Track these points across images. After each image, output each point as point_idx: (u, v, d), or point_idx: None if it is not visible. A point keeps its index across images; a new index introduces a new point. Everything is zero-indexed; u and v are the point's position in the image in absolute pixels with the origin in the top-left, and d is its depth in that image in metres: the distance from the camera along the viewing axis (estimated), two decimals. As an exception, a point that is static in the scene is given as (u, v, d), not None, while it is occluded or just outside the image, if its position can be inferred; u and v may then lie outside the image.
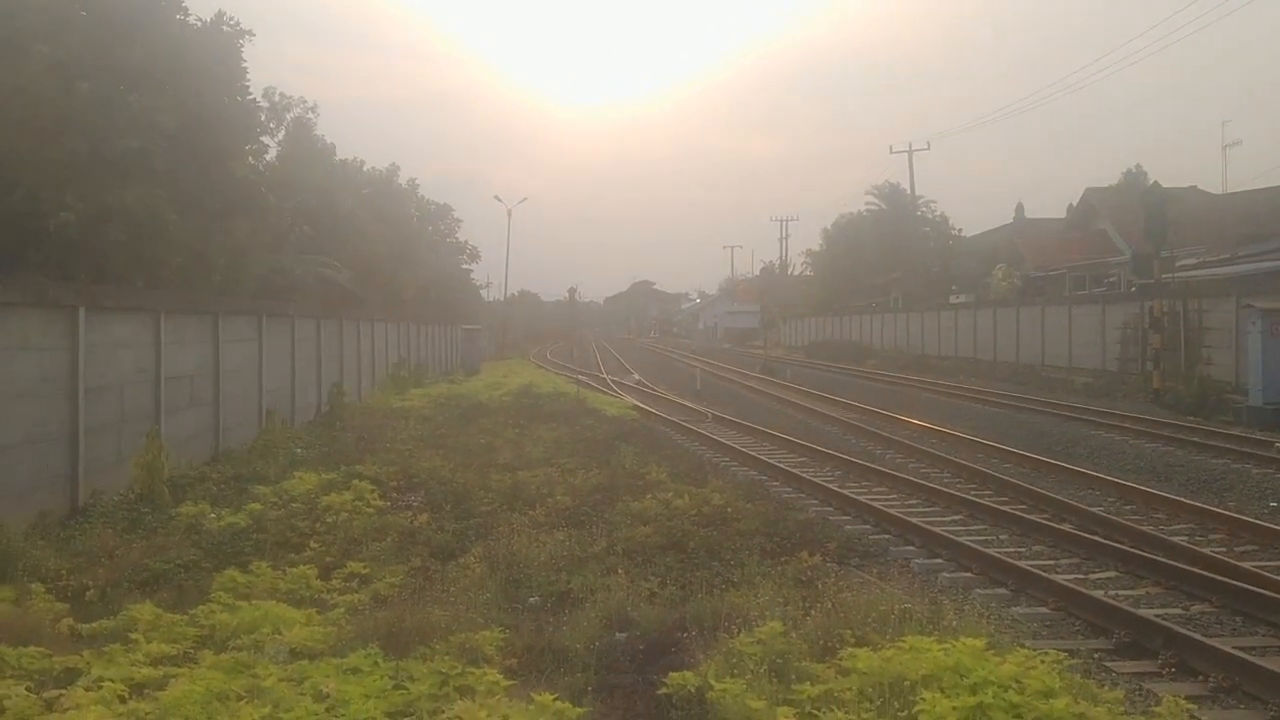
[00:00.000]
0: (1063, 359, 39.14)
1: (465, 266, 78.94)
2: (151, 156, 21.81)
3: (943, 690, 5.96)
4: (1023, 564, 10.99)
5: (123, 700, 6.16)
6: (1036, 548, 12.23)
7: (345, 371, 29.40)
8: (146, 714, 5.92)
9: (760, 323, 74.16)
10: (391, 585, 9.70)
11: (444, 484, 14.97)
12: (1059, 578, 10.42)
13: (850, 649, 6.75)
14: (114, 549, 10.79)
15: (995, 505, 14.35)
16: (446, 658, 6.96)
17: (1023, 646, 7.29)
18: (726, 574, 10.01)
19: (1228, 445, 19.77)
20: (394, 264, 48.11)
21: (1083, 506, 14.15)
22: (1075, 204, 60.89)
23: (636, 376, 47.25)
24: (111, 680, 6.44)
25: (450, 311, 62.43)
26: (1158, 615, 9.14)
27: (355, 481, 14.55)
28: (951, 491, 15.43)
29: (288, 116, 42.31)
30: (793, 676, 6.51)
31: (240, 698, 6.13)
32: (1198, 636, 8.40)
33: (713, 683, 6.41)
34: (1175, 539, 12.23)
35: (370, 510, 13.14)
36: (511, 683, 6.68)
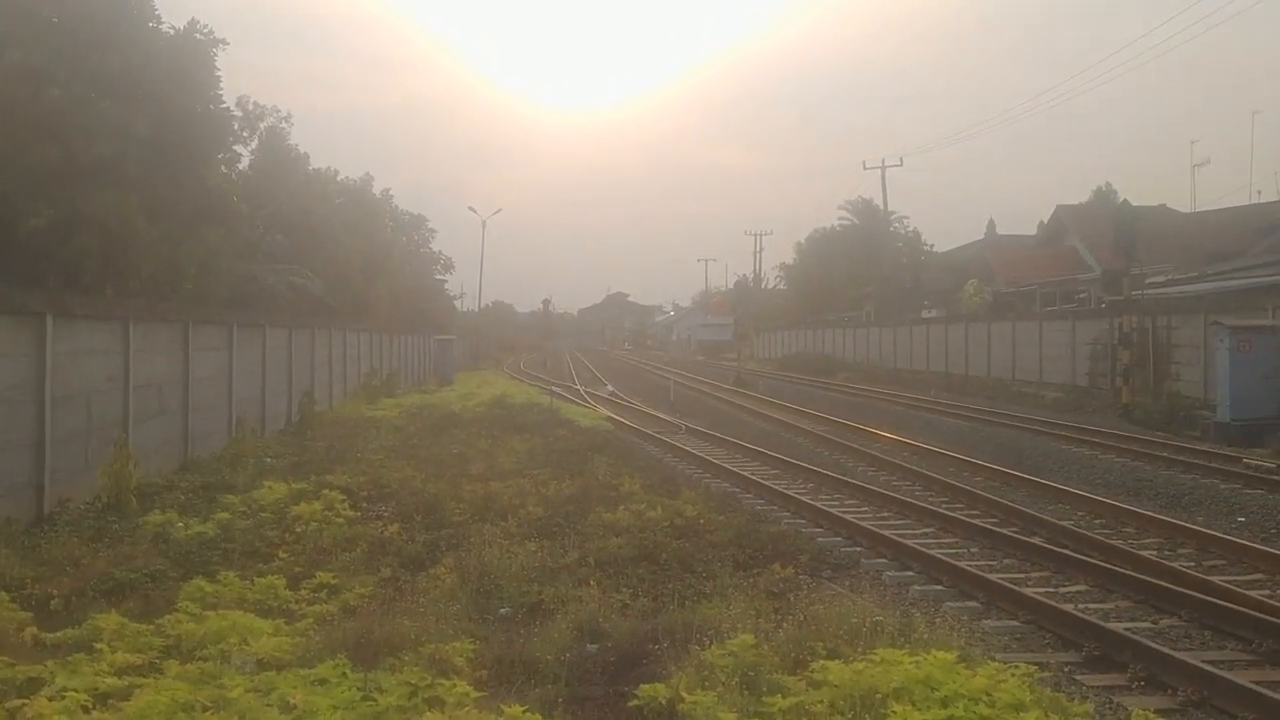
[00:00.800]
0: (1033, 374, 39.42)
1: (439, 277, 78.76)
2: (123, 163, 21.62)
3: (914, 703, 5.97)
4: (993, 577, 11.02)
5: (87, 710, 6.08)
6: (1007, 561, 12.28)
7: (316, 381, 29.24)
8: (111, 725, 5.84)
9: (734, 335, 74.31)
10: (361, 596, 9.62)
11: (415, 494, 14.89)
12: (1029, 591, 10.46)
13: (822, 661, 6.75)
14: (80, 557, 10.67)
15: (966, 518, 14.39)
16: (416, 669, 6.90)
17: (993, 659, 7.31)
18: (699, 586, 10.00)
19: (1196, 460, 19.94)
20: (367, 274, 47.88)
21: (1053, 520, 14.22)
22: (1046, 221, 61.46)
23: (610, 388, 47.22)
24: (75, 690, 6.35)
25: (424, 321, 62.22)
26: (1127, 629, 9.19)
27: (325, 491, 14.44)
28: (923, 504, 15.48)
29: (261, 125, 41.99)
30: (764, 689, 6.50)
31: (206, 708, 6.06)
32: (1167, 650, 8.44)
33: (684, 695, 6.40)
34: (1144, 553, 12.30)
35: (340, 520, 13.04)
36: (481, 694, 6.63)
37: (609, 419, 30.07)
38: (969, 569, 11.38)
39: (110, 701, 6.33)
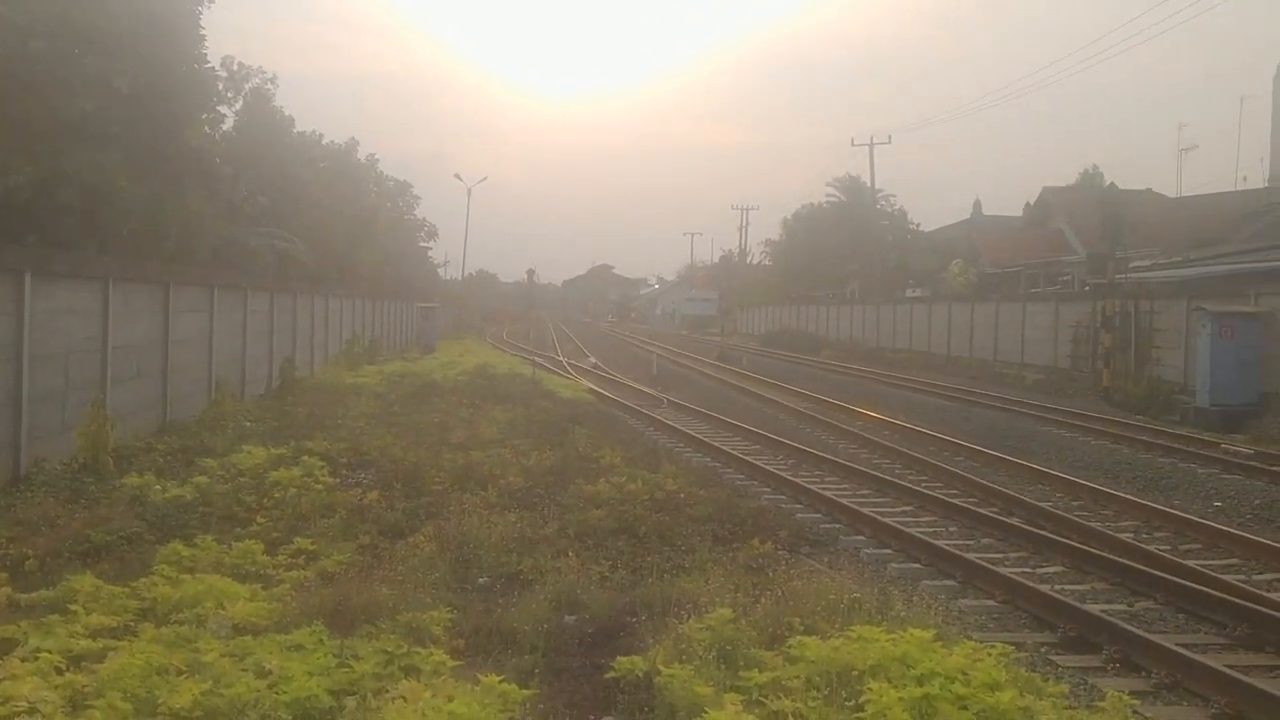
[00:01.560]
0: (1015, 355, 39.54)
1: (423, 244, 78.41)
2: (106, 120, 21.37)
3: (890, 681, 5.97)
4: (971, 556, 11.07)
5: (60, 672, 6.05)
6: (985, 540, 12.33)
7: (298, 346, 29.11)
8: (84, 686, 5.81)
9: (718, 310, 74.38)
10: (339, 563, 9.60)
11: (395, 462, 14.85)
12: (1007, 571, 10.51)
13: (799, 637, 6.75)
14: (55, 519, 10.61)
15: (945, 497, 14.44)
16: (392, 637, 6.89)
17: (970, 638, 7.33)
18: (678, 559, 10.02)
19: (1174, 445, 20.04)
20: (351, 239, 47.61)
21: (1032, 501, 14.28)
22: (1032, 203, 61.51)
23: (593, 360, 47.16)
24: (49, 651, 6.32)
25: (406, 289, 61.97)
26: (1103, 610, 9.23)
27: (305, 457, 14.40)
28: (902, 483, 15.52)
29: (246, 87, 41.58)
30: (741, 663, 6.51)
31: (180, 672, 6.03)
32: (1141, 633, 8.49)
33: (661, 668, 6.39)
34: (1122, 535, 12.37)
35: (319, 487, 12.99)
36: (458, 663, 6.62)
37: (591, 391, 30.03)
38: (947, 548, 11.41)
39: (84, 663, 6.30)
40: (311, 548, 10.14)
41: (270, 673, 6.03)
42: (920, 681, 5.96)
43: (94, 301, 15.35)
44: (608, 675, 6.65)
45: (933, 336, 47.53)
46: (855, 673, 6.16)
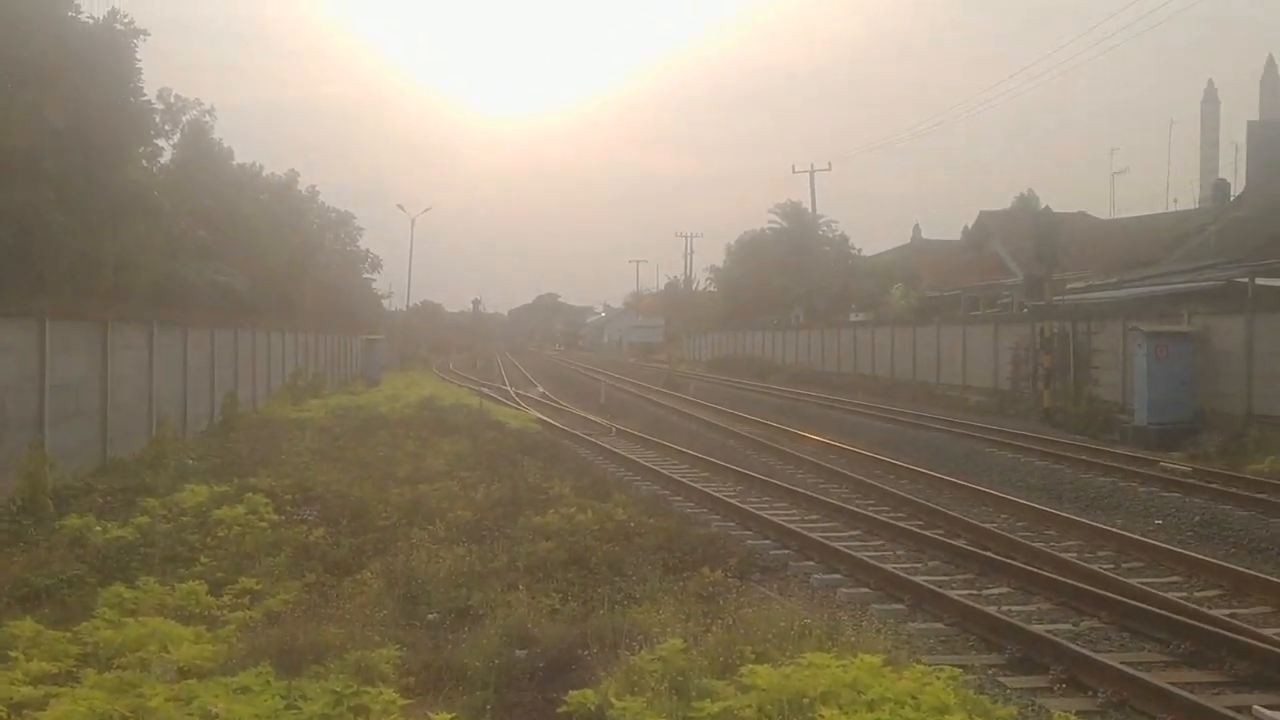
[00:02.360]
0: (957, 377, 40.00)
1: (367, 276, 78.02)
2: (39, 156, 21.09)
3: (841, 707, 6.01)
4: (919, 579, 11.17)
5: (-1, 722, 5.90)
6: (932, 563, 12.44)
7: (240, 381, 28.76)
8: (24, 737, 5.68)
9: (665, 337, 74.52)
10: (285, 602, 9.48)
11: (341, 497, 14.69)
12: (954, 593, 10.61)
13: (750, 665, 6.77)
14: (-8, 563, 10.37)
15: (892, 521, 14.57)
16: (341, 676, 6.81)
17: (919, 662, 7.40)
18: (628, 590, 9.99)
19: (1114, 464, 20.34)
20: (292, 271, 47.23)
21: (977, 523, 14.44)
22: (970, 226, 62.39)
23: (541, 389, 47.08)
24: (-13, 701, 6.17)
25: (350, 321, 61.51)
26: (1049, 631, 9.35)
27: (249, 494, 14.19)
28: (850, 507, 15.63)
29: (184, 119, 41.19)
30: (693, 694, 6.50)
31: (125, 718, 5.91)
32: (1087, 652, 8.60)
33: (613, 700, 6.38)
34: (1065, 555, 12.54)
35: (264, 524, 12.83)
36: (408, 701, 6.56)
37: (539, 420, 29.97)
38: (895, 571, 11.51)
39: (25, 711, 6.17)
40: (257, 587, 10.01)
41: (217, 716, 5.94)
42: (871, 707, 6.01)
43: (30, 340, 15.08)
44: (560, 710, 6.62)
45: (876, 360, 47.96)
46: (807, 700, 6.19)
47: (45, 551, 11.09)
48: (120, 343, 18.72)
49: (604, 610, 9.09)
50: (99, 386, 17.84)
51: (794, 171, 70.75)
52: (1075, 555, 12.72)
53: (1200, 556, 12.38)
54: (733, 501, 16.08)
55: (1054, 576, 11.21)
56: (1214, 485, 17.31)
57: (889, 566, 11.81)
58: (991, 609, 10.04)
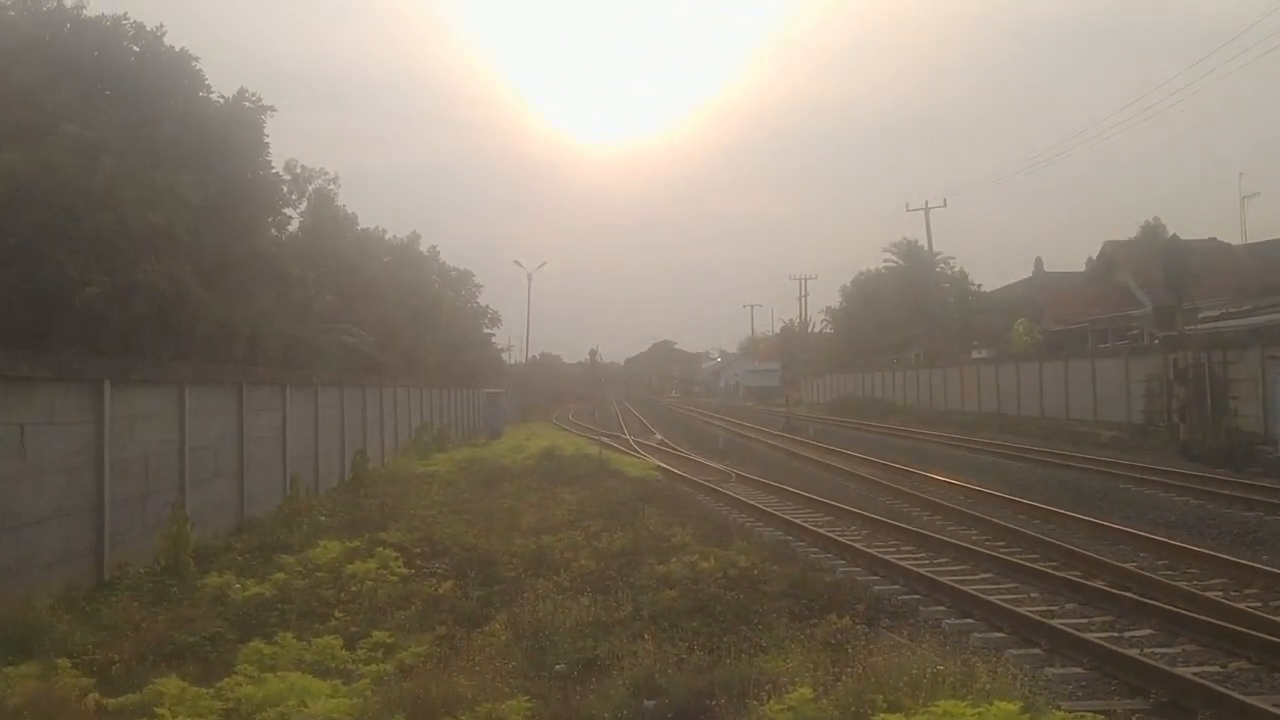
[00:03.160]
0: (1087, 413, 38.91)
1: (487, 330, 79.40)
2: (176, 231, 22.11)
3: (978, 756, 5.86)
4: (1055, 623, 10.83)
5: (149, 777, 6.12)
6: (1069, 605, 12.06)
7: (369, 437, 29.48)
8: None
9: (781, 380, 74.12)
10: (417, 654, 9.64)
11: (468, 550, 14.92)
12: (1093, 636, 10.27)
13: (882, 715, 6.66)
14: (140, 622, 10.77)
15: (1025, 562, 14.18)
16: (473, 728, 6.89)
17: (1059, 708, 7.18)
18: (754, 638, 9.90)
19: (1258, 497, 19.52)
20: (416, 329, 48.37)
21: (1114, 562, 13.96)
22: (1094, 257, 60.95)
23: (659, 436, 47.17)
24: (137, 757, 6.40)
25: (472, 375, 62.63)
26: (1195, 674, 8.97)
27: (379, 549, 14.52)
28: (980, 549, 15.27)
29: (309, 188, 42.77)
30: (825, 743, 6.41)
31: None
32: (1237, 695, 8.24)
33: (744, 751, 6.32)
34: (1210, 594, 12.04)
35: (395, 578, 13.10)
36: (540, 754, 6.59)
37: (658, 468, 30.01)
38: (1030, 615, 11.18)
39: (172, 767, 6.36)
40: (389, 640, 10.20)
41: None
42: (1009, 756, 5.84)
43: (170, 406, 15.73)
44: (690, 760, 6.59)
45: (1001, 397, 46.95)
46: (942, 749, 6.05)
47: (188, 609, 11.48)
48: (254, 404, 19.39)
49: (730, 659, 9.02)
50: (235, 447, 18.49)
51: (908, 209, 70.23)
52: (1221, 594, 12.21)
53: (1358, 593, 11.76)
54: (858, 546, 15.84)
55: (1199, 617, 10.77)
56: (1369, 517, 16.46)
57: (1023, 610, 11.48)
58: (1134, 652, 9.68)
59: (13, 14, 24.16)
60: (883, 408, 59.24)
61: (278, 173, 30.06)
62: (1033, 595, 12.62)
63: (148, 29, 24.36)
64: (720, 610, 10.95)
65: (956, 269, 76.00)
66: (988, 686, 7.36)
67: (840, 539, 16.53)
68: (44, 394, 12.04)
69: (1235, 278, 43.85)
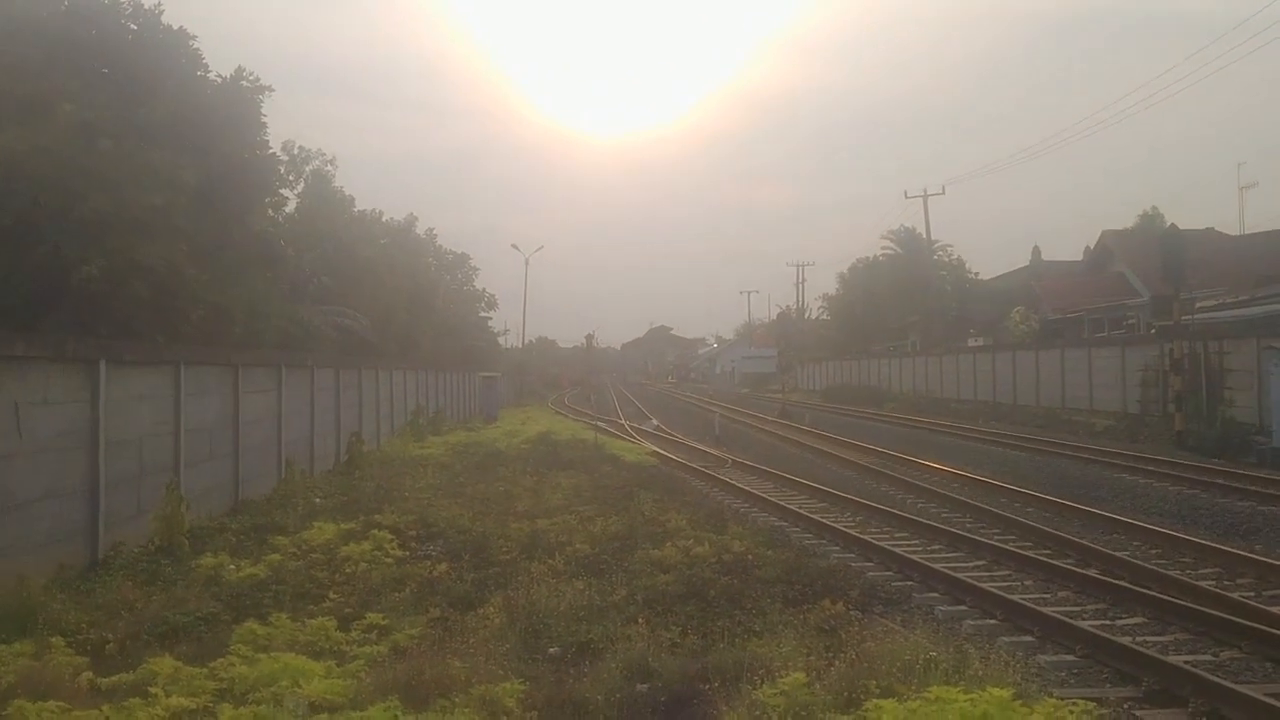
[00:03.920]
0: (1083, 402, 38.95)
1: (483, 314, 79.35)
2: (173, 212, 22.00)
3: (970, 742, 5.88)
4: (1048, 610, 10.86)
5: (142, 756, 6.13)
6: (1062, 593, 12.09)
7: (364, 420, 29.47)
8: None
9: (777, 367, 74.10)
10: (411, 636, 9.65)
11: (463, 533, 14.94)
12: (1086, 624, 10.29)
13: (875, 700, 6.68)
14: (134, 601, 10.78)
15: (1019, 550, 14.21)
16: (467, 710, 6.91)
17: (1051, 695, 7.20)
18: (748, 623, 9.93)
19: (1252, 488, 19.56)
20: (412, 313, 48.34)
21: (1108, 551, 14.00)
22: (1092, 247, 60.94)
23: (655, 422, 47.20)
24: (131, 736, 6.41)
25: (468, 359, 62.62)
26: (1187, 662, 9.01)
27: (374, 531, 14.53)
28: (974, 537, 15.30)
29: (306, 169, 42.76)
30: (817, 728, 6.43)
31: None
32: (1228, 684, 8.26)
33: (736, 735, 6.34)
34: (1202, 584, 12.07)
35: (389, 560, 13.12)
36: (533, 736, 6.61)
37: (654, 454, 30.04)
38: (1023, 602, 11.21)
39: (165, 746, 6.38)
40: (383, 622, 10.21)
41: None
42: (1001, 742, 5.86)
43: (166, 386, 15.71)
44: (683, 744, 6.60)
45: (997, 385, 46.99)
46: (934, 735, 6.07)
47: (182, 590, 11.49)
48: (250, 386, 19.37)
49: (724, 644, 9.05)
50: (231, 429, 18.48)
51: (906, 197, 70.01)
52: (1213, 583, 12.24)
53: (1350, 584, 11.79)
54: (852, 532, 15.88)
55: (1191, 605, 10.81)
56: (1362, 508, 16.50)
57: (1016, 597, 11.51)
58: (1126, 640, 9.71)
59: (9, -9, 24.02)
60: (879, 395, 59.28)
61: (275, 153, 29.91)
62: (1026, 583, 12.66)
63: (145, 7, 24.20)
64: (714, 595, 10.97)
65: (954, 257, 76.03)
66: (980, 673, 7.39)
67: (834, 525, 16.55)
68: (39, 373, 12.01)
69: (1233, 268, 43.92)
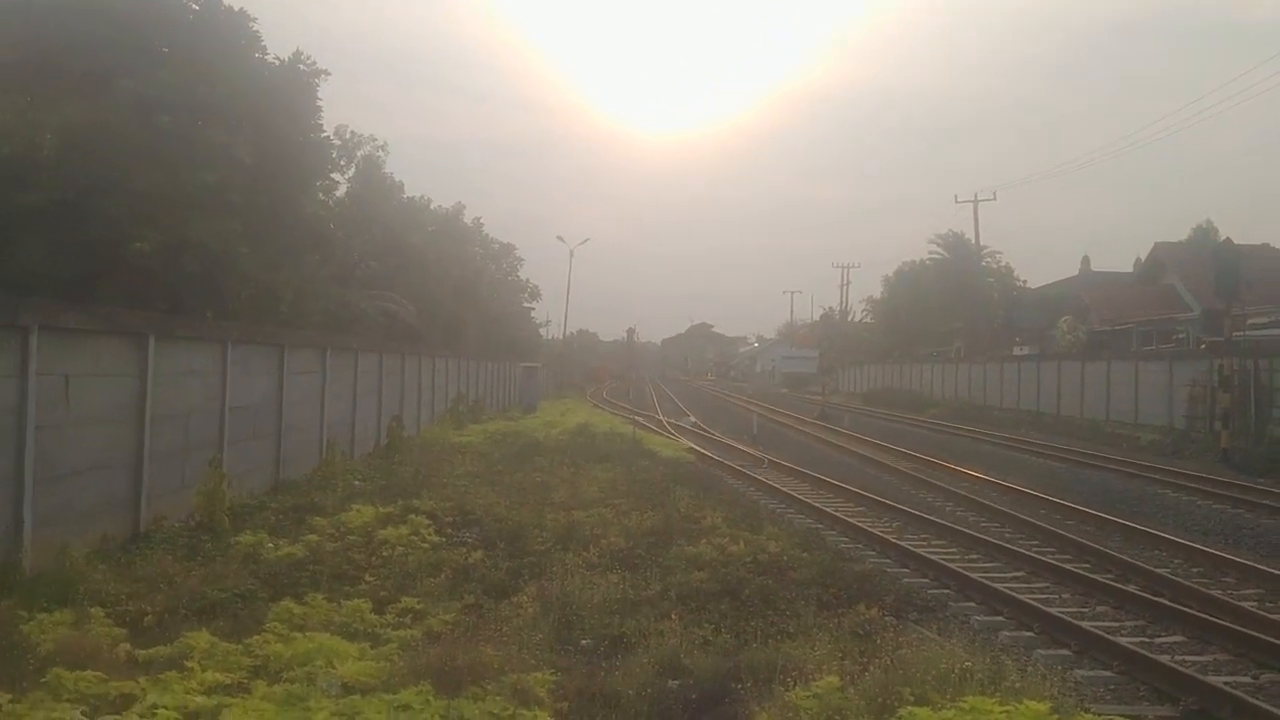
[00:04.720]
0: (1128, 415, 38.46)
1: (526, 304, 79.76)
2: (227, 191, 22.27)
3: (1004, 754, 5.81)
4: (1086, 625, 10.74)
5: (177, 728, 6.18)
6: (1100, 608, 11.94)
7: (405, 405, 29.65)
8: (200, 743, 5.93)
9: (818, 368, 73.86)
10: (445, 622, 9.69)
11: (499, 521, 14.97)
12: (1124, 640, 10.16)
13: (909, 708, 6.61)
14: (173, 575, 10.90)
15: (1057, 563, 14.05)
16: (498, 698, 6.92)
17: (1087, 710, 7.11)
18: (782, 624, 9.88)
19: (1299, 509, 19.22)
20: (457, 301, 48.58)
21: (1148, 567, 13.81)
22: (1144, 258, 60.23)
23: (693, 419, 47.13)
24: (166, 708, 6.47)
25: (510, 349, 62.89)
26: (1226, 683, 8.87)
27: (412, 516, 14.60)
28: (1013, 547, 15.14)
29: (358, 154, 43.09)
30: (849, 733, 6.38)
31: (292, 731, 6.13)
32: (1268, 706, 8.13)
33: (767, 736, 6.31)
34: (1244, 604, 11.88)
35: (425, 545, 13.17)
36: (563, 727, 6.61)
37: (691, 450, 29.99)
38: (1060, 615, 11.09)
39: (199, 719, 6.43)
40: (418, 606, 10.26)
41: (379, 733, 6.09)
42: (1035, 756, 5.79)
43: (213, 364, 15.88)
44: (713, 742, 6.58)
45: (1042, 395, 46.50)
46: (967, 745, 6.01)
47: (221, 566, 11.60)
48: (295, 367, 19.53)
49: (757, 644, 9.01)
50: (275, 409, 18.64)
51: (956, 201, 69.37)
52: (1255, 604, 12.03)
53: (1398, 611, 11.55)
54: (889, 537, 15.77)
55: (1232, 626, 10.64)
56: None
57: (1054, 610, 11.38)
58: (1164, 658, 9.58)
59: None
60: (920, 401, 58.83)
61: (328, 138, 30.18)
62: (1064, 596, 12.52)
63: (207, -12, 24.52)
64: (748, 594, 10.93)
65: (1002, 263, 75.59)
66: (1016, 685, 7.30)
67: (871, 530, 16.45)
68: (89, 346, 12.18)
69: (1287, 285, 43.17)
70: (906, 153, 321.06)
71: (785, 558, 12.83)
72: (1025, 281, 75.20)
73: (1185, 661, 9.68)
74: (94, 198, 20.72)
